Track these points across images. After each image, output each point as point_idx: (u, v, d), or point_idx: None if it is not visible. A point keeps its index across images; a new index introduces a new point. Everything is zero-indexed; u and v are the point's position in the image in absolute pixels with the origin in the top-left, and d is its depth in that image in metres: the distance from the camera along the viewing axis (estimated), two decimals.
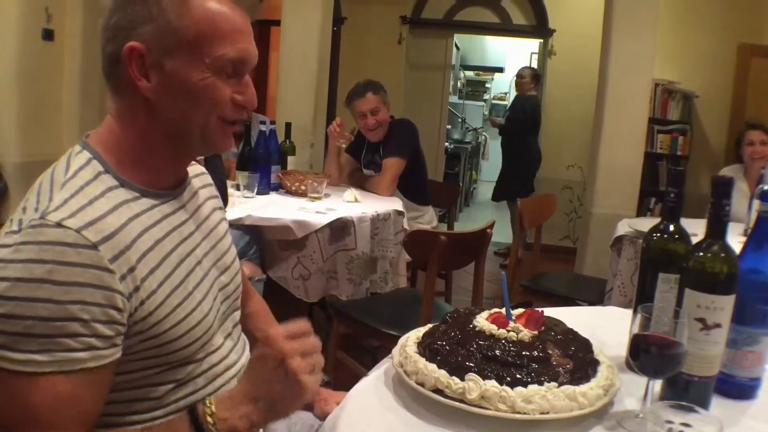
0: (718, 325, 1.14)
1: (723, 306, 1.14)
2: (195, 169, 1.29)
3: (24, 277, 0.90)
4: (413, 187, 3.90)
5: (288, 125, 3.93)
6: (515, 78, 6.50)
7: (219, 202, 1.35)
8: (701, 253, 1.16)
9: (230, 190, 2.99)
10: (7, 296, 0.90)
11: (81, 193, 0.99)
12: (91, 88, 4.89)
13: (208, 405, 1.02)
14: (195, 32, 1.04)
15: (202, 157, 2.86)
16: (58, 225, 0.94)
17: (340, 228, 2.95)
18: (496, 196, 6.52)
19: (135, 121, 1.07)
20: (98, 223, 0.97)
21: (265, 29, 8.51)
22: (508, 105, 7.01)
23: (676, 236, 1.30)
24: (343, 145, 3.88)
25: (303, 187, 3.40)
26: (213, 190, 1.34)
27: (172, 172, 1.16)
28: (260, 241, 2.94)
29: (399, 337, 1.31)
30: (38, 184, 1.02)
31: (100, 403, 0.99)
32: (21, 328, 0.90)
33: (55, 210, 0.95)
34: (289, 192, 3.48)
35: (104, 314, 0.94)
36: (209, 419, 1.01)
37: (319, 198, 3.31)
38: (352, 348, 3.20)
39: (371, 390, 1.21)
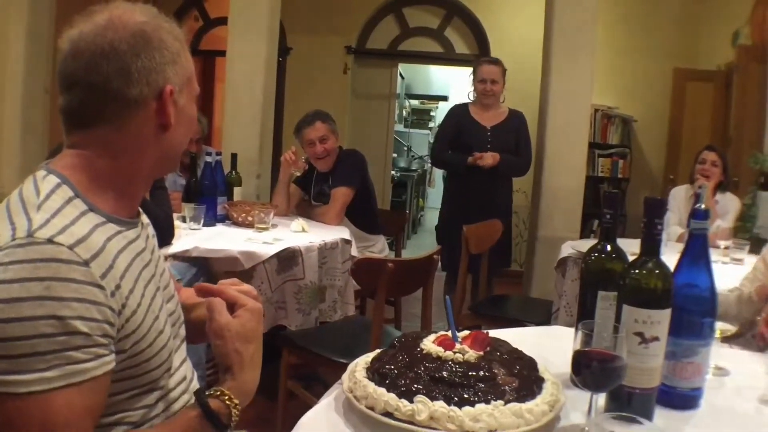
0: (656, 339, 1.18)
1: (660, 320, 1.18)
2: None
3: (22, 296, 0.89)
4: (363, 216, 3.93)
5: (234, 156, 3.91)
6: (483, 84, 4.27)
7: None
8: (637, 271, 1.21)
9: (176, 222, 2.96)
10: (5, 318, 0.88)
11: (60, 214, 0.99)
12: (34, 119, 4.79)
13: (227, 396, 1.09)
14: (190, 71, 1.17)
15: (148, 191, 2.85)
16: (50, 241, 0.94)
17: (288, 258, 2.95)
18: None
19: (135, 154, 1.11)
20: (85, 241, 0.98)
21: (209, 60, 8.47)
22: None
23: (613, 255, 1.36)
24: (297, 173, 3.88)
25: (250, 218, 3.38)
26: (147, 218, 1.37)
27: (137, 200, 1.20)
28: (207, 273, 2.91)
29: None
30: (4, 209, 1.00)
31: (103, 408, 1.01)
32: (27, 348, 0.89)
33: (41, 228, 0.95)
34: (236, 223, 3.46)
35: (100, 329, 0.95)
36: (234, 410, 1.08)
37: (266, 228, 3.29)
38: (303, 378, 3.18)
39: (322, 417, 1.21)
